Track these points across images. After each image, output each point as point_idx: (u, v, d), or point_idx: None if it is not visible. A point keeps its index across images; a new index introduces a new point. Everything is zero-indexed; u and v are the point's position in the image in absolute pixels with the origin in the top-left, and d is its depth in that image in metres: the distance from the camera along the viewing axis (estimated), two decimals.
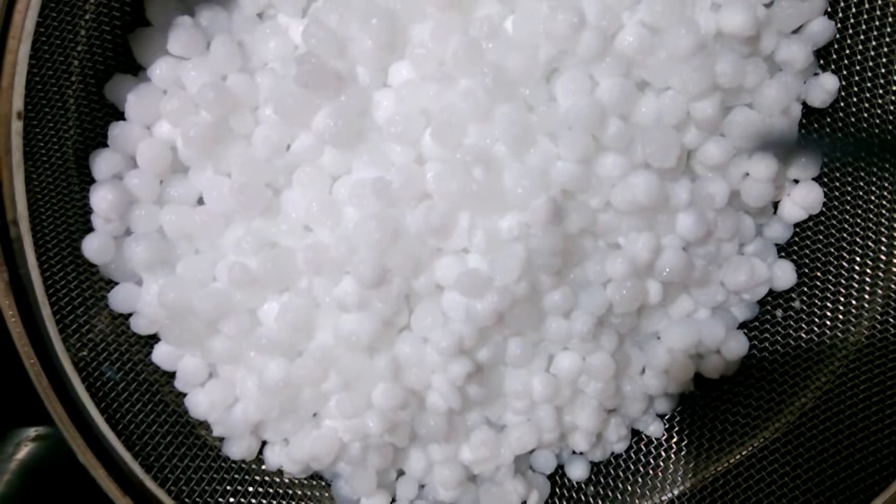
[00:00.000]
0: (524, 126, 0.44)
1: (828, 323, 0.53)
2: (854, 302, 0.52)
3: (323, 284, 0.46)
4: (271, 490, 0.53)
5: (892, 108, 0.48)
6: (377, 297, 0.45)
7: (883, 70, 0.48)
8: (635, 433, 0.56)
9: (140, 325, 0.49)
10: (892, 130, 0.48)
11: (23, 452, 0.57)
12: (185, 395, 0.51)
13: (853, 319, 0.52)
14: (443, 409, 0.48)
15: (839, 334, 0.52)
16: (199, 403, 0.50)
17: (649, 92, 0.46)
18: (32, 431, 0.58)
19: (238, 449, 0.51)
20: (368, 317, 0.45)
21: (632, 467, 0.56)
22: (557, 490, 0.56)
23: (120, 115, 0.48)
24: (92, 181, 0.47)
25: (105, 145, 0.47)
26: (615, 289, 0.47)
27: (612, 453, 0.56)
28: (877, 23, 0.47)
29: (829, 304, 0.53)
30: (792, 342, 0.54)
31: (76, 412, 0.46)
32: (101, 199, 0.46)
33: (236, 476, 0.52)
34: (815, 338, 0.53)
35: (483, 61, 0.43)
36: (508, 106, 0.44)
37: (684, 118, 0.45)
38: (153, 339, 0.50)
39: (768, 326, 0.55)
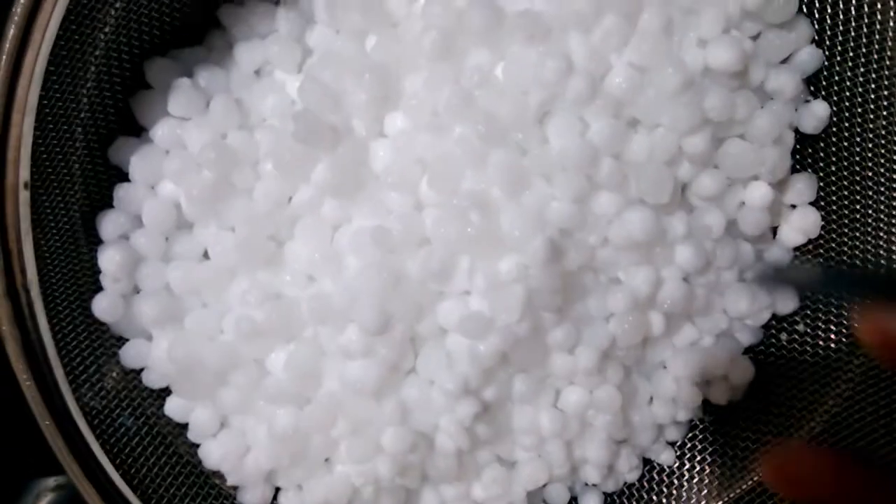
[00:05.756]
0: (518, 169, 0.45)
1: (832, 346, 0.53)
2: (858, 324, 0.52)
3: (328, 333, 0.47)
4: None
5: (883, 132, 0.48)
6: (381, 343, 0.46)
7: (872, 95, 0.48)
8: (647, 462, 0.56)
9: (152, 380, 0.50)
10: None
11: (43, 503, 0.58)
12: (198, 445, 0.51)
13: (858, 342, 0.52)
14: (452, 450, 0.48)
15: (844, 357, 0.52)
16: (212, 453, 0.50)
17: (640, 129, 0.46)
18: (52, 481, 0.58)
19: (252, 497, 0.51)
20: (374, 363, 0.46)
21: (645, 496, 0.56)
22: None
23: (124, 177, 0.49)
24: (99, 242, 0.48)
25: (111, 206, 0.48)
26: (617, 323, 0.48)
27: (625, 483, 0.56)
28: (864, 49, 0.48)
29: (832, 328, 0.53)
30: (797, 366, 0.54)
31: (91, 469, 0.47)
32: (108, 260, 0.47)
33: None
34: (821, 361, 0.53)
35: (475, 109, 0.44)
36: (502, 151, 0.45)
37: (676, 154, 0.46)
38: (165, 391, 0.51)
39: (773, 350, 0.55)
